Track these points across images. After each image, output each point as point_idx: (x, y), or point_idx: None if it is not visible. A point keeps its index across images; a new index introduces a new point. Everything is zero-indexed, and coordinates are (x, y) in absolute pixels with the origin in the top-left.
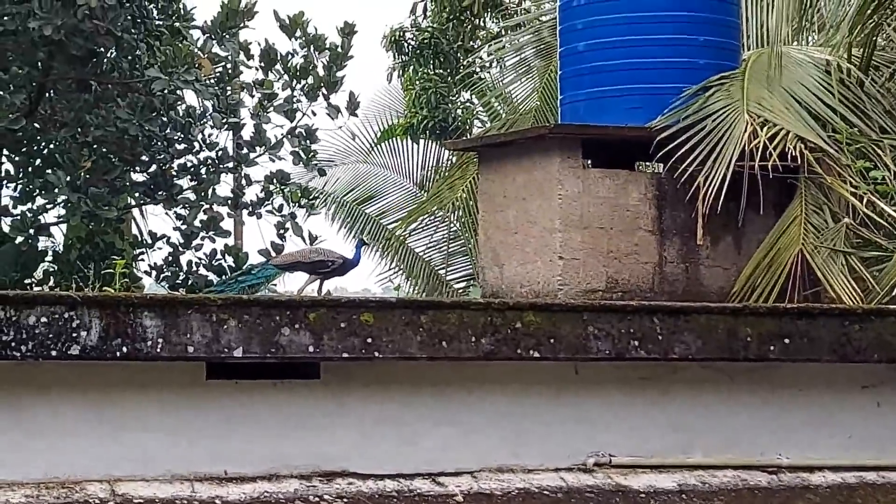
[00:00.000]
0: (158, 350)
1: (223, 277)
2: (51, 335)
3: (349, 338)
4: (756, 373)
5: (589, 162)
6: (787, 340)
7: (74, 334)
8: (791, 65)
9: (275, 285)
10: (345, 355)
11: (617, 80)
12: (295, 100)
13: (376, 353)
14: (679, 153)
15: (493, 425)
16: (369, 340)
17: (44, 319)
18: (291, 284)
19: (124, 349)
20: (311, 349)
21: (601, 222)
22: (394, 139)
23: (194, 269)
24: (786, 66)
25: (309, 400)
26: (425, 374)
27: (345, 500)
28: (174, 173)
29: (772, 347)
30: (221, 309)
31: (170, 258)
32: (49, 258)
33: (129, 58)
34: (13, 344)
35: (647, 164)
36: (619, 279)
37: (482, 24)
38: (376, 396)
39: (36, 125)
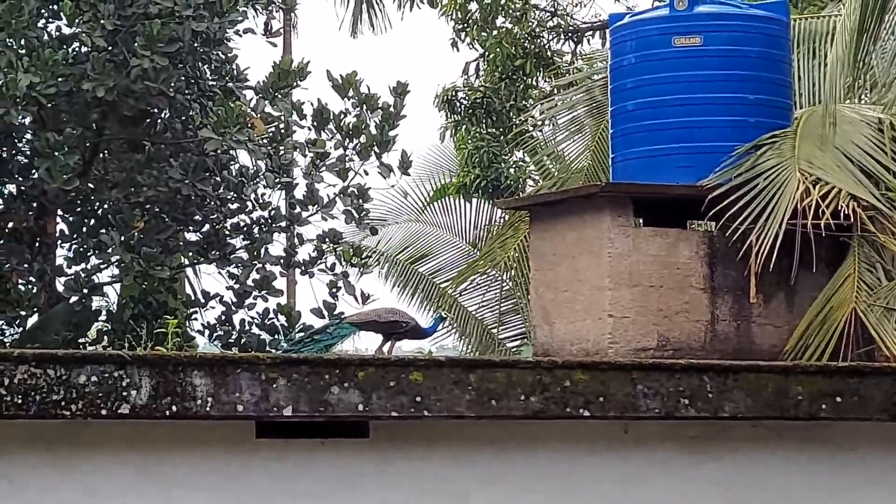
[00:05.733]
0: (208, 409)
1: (297, 337)
2: (101, 394)
3: (398, 396)
4: (807, 431)
5: (640, 220)
6: (838, 399)
7: (124, 393)
8: (843, 123)
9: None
10: (394, 414)
11: (668, 138)
12: (347, 159)
13: (425, 412)
14: (731, 211)
15: (543, 484)
16: (418, 399)
17: (94, 378)
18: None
19: (174, 408)
20: (360, 408)
21: (652, 280)
22: (446, 198)
23: (247, 328)
24: (838, 124)
25: (358, 459)
26: (474, 432)
27: None
28: (227, 233)
29: (823, 406)
30: (271, 368)
31: (223, 317)
32: (103, 318)
33: (182, 118)
34: (63, 403)
35: (699, 222)
36: (671, 337)
37: (534, 83)
38: (425, 455)
39: (89, 185)
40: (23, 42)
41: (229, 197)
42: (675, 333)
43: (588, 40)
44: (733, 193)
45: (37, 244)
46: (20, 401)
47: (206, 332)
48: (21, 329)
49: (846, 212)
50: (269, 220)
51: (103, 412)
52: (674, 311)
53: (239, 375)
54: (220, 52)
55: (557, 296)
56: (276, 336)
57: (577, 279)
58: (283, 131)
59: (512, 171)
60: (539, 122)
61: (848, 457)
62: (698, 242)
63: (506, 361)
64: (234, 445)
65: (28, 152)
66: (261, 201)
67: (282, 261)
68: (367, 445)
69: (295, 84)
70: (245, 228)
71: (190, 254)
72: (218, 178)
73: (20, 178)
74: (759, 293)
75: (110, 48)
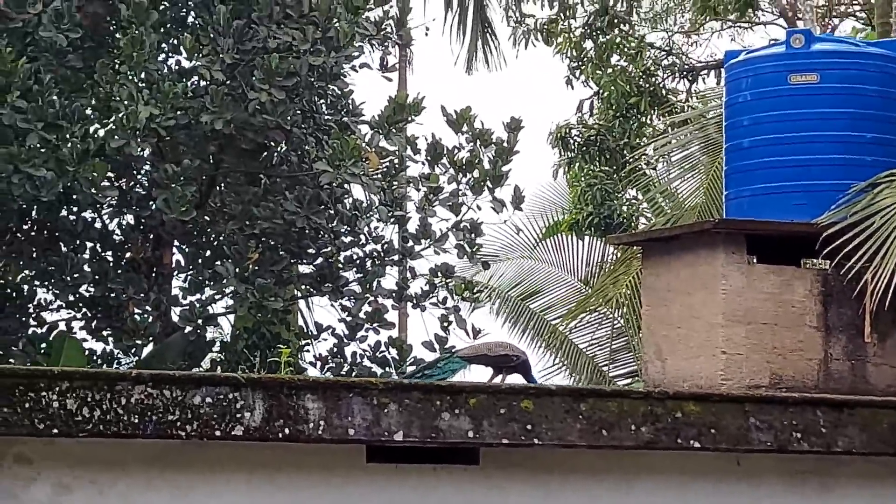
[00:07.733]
0: (320, 432)
1: (408, 371)
2: (215, 416)
3: (509, 424)
4: None
5: (754, 258)
6: None
7: (238, 415)
8: None
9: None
10: (504, 441)
11: (783, 176)
12: (460, 193)
13: (536, 440)
14: (846, 250)
15: None
16: (529, 427)
17: (209, 400)
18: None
19: (286, 430)
20: (470, 434)
21: (765, 318)
22: (558, 235)
23: (358, 360)
24: None
25: (468, 485)
26: (584, 462)
27: None
28: (340, 265)
29: None
30: (382, 393)
31: (334, 349)
32: (216, 348)
33: (298, 151)
34: (179, 423)
35: (813, 260)
36: (784, 375)
37: (648, 121)
38: (535, 483)
39: (206, 217)
40: (143, 75)
41: (343, 230)
42: (788, 371)
43: (703, 79)
44: (848, 232)
45: (153, 274)
46: (136, 420)
47: (318, 363)
48: (137, 358)
49: None
50: (382, 254)
51: (217, 433)
52: (787, 349)
53: (351, 399)
54: (336, 87)
55: (670, 332)
56: (386, 369)
57: (691, 316)
58: (397, 165)
59: (625, 208)
60: (652, 160)
61: None
62: (813, 280)
63: (617, 391)
64: (346, 469)
65: (146, 183)
66: (374, 234)
67: (394, 294)
68: (477, 472)
69: (409, 119)
70: (358, 261)
71: (303, 286)
72: (332, 211)
73: (138, 209)
74: (874, 332)
75: (229, 82)
